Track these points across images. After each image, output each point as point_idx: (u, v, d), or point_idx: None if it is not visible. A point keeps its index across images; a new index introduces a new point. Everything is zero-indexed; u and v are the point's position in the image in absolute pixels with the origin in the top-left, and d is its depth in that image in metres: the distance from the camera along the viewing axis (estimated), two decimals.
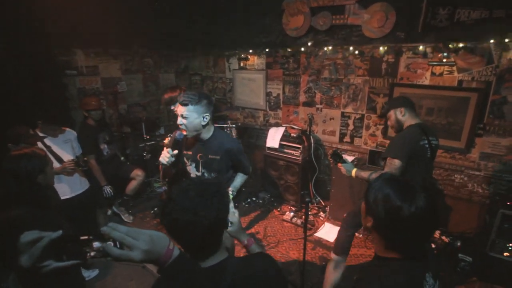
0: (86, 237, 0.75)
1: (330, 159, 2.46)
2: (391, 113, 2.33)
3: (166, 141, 2.13)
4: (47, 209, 1.64)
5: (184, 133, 1.91)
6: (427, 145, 2.17)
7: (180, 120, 1.88)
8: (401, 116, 2.27)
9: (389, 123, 2.40)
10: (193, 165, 2.10)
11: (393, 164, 2.08)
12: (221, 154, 2.00)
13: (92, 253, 0.74)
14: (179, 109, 1.87)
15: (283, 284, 1.12)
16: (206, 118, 1.90)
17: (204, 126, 1.93)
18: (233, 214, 1.26)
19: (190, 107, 1.84)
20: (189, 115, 1.85)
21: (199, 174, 2.10)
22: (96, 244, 0.74)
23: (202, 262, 0.98)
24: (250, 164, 2.19)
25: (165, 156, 1.90)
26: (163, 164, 1.92)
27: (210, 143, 2.01)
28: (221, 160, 2.01)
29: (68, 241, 0.76)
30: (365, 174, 2.26)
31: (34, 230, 0.76)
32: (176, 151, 1.93)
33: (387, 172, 2.04)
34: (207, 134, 2.01)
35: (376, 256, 1.11)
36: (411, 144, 2.11)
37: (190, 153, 2.10)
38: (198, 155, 2.05)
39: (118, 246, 0.75)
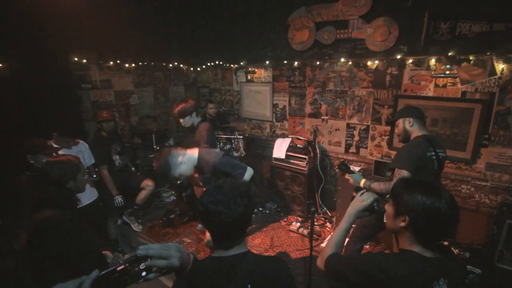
0: (122, 266, 0.78)
1: (337, 170, 2.49)
2: (400, 122, 2.33)
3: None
4: (75, 213, 1.75)
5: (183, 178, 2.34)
6: (434, 157, 2.16)
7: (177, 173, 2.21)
8: (409, 126, 2.27)
9: (396, 131, 2.40)
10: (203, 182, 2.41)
11: (401, 175, 2.06)
12: (211, 171, 2.25)
13: (143, 273, 0.80)
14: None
15: None
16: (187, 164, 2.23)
17: (191, 164, 2.26)
18: None
19: (186, 156, 2.23)
20: (185, 163, 2.21)
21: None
22: (144, 264, 0.80)
23: (226, 251, 1.11)
24: (243, 170, 2.31)
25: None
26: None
27: (199, 165, 2.29)
28: (213, 175, 2.25)
29: (110, 276, 0.76)
30: (375, 185, 2.27)
31: (67, 282, 0.74)
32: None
33: (403, 177, 2.03)
34: (194, 162, 2.29)
35: (399, 249, 1.19)
36: (418, 155, 2.11)
37: (196, 175, 2.40)
38: (200, 177, 2.36)
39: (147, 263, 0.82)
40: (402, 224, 1.13)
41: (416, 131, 2.25)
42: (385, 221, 1.30)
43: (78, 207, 2.72)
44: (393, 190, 1.21)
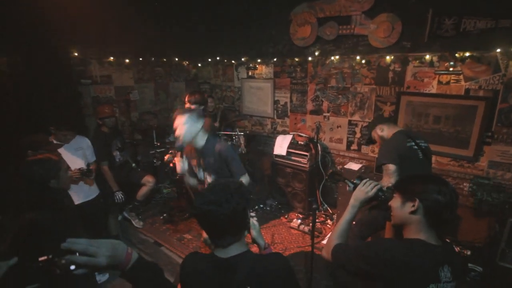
0: (45, 258, 0.80)
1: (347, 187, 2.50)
2: (374, 134, 2.51)
3: (166, 157, 2.47)
4: (62, 212, 1.71)
5: (181, 142, 2.20)
6: (415, 147, 2.25)
7: (178, 132, 2.16)
8: (381, 132, 2.43)
9: (377, 145, 2.56)
10: (200, 170, 2.36)
11: (389, 170, 2.14)
12: (213, 156, 2.22)
13: (72, 267, 0.79)
14: (176, 121, 2.16)
15: (297, 285, 1.20)
16: (200, 123, 2.18)
17: (197, 134, 2.18)
18: (252, 220, 1.40)
19: (184, 117, 2.14)
20: (185, 123, 2.13)
21: (206, 176, 2.35)
22: (65, 260, 0.79)
23: (225, 249, 1.13)
24: (243, 172, 2.22)
25: (179, 164, 2.29)
26: (182, 172, 2.28)
27: (204, 148, 2.25)
28: (215, 162, 2.22)
29: (29, 264, 0.80)
30: None
31: None
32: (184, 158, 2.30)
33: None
34: (201, 141, 2.22)
35: (404, 238, 1.23)
36: (397, 146, 2.22)
37: (195, 161, 2.36)
38: (201, 161, 2.31)
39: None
40: (412, 208, 1.17)
41: (390, 131, 2.39)
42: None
43: (76, 204, 2.72)
44: (396, 185, 1.29)
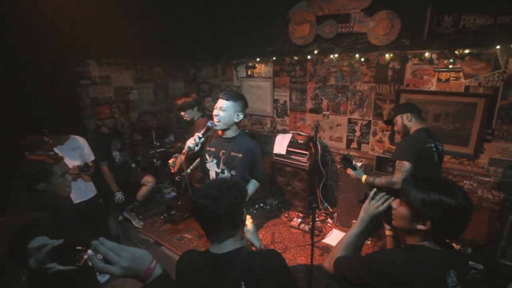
0: (81, 247, 0.87)
1: (339, 164, 2.47)
2: (398, 118, 2.38)
3: (171, 161, 2.31)
4: (58, 215, 1.67)
5: (216, 123, 2.00)
6: (434, 149, 2.19)
7: (217, 112, 2.00)
8: (408, 121, 2.32)
9: (395, 128, 2.45)
10: (214, 161, 2.16)
11: (403, 167, 2.09)
12: (243, 152, 2.08)
13: (82, 262, 0.86)
14: (219, 102, 2.01)
15: (292, 281, 1.21)
16: (239, 117, 2.05)
17: (235, 124, 2.07)
18: (248, 221, 1.41)
19: (230, 102, 1.98)
20: (227, 109, 1.98)
21: (218, 170, 2.15)
22: (87, 254, 0.82)
23: (220, 245, 1.15)
24: (262, 176, 2.25)
25: (193, 139, 1.98)
26: (189, 148, 1.98)
27: (234, 141, 2.11)
28: (242, 159, 2.08)
29: (66, 249, 0.88)
30: (377, 181, 2.28)
31: (43, 237, 0.89)
32: (202, 137, 2.02)
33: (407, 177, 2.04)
34: (233, 133, 2.12)
35: (407, 244, 1.18)
36: (418, 145, 2.15)
37: (213, 149, 2.16)
38: (221, 152, 2.12)
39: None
40: (422, 227, 1.09)
41: (415, 125, 2.30)
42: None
43: (75, 202, 2.69)
44: (405, 192, 1.15)
